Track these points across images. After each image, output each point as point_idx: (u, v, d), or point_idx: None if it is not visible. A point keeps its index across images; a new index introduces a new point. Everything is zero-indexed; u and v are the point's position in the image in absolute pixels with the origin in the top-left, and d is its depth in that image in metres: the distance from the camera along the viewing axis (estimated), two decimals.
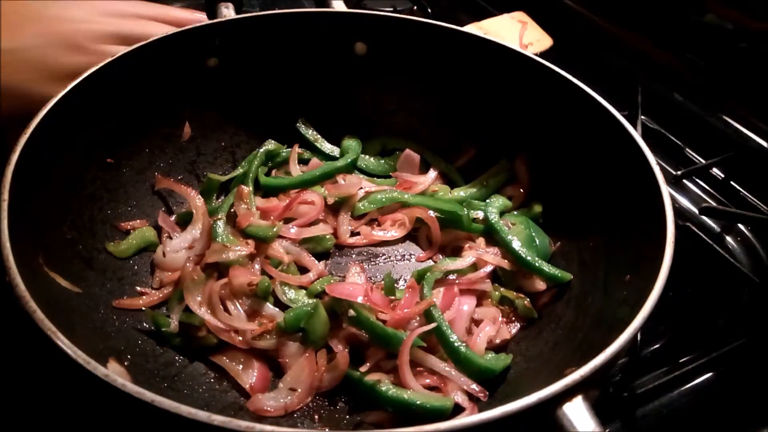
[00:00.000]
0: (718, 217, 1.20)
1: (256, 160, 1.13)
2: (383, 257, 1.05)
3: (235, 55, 1.12)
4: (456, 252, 1.04)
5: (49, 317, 0.66)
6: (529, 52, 1.09)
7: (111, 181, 1.01)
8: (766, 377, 0.95)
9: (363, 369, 0.85)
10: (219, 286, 0.91)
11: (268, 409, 0.82)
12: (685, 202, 1.26)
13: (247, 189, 1.06)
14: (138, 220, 1.03)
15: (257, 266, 0.97)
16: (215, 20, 1.10)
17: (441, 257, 1.04)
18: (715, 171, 1.31)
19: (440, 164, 1.20)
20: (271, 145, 1.16)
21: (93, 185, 0.97)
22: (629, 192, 0.92)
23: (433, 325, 0.86)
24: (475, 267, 1.00)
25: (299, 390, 0.84)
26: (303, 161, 1.18)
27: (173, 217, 1.07)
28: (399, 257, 1.05)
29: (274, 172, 1.17)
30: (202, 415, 0.58)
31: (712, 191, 1.28)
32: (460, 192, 1.15)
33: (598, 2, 1.65)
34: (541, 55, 1.10)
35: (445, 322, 0.87)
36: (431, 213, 1.05)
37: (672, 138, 1.37)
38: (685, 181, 1.29)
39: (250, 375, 0.86)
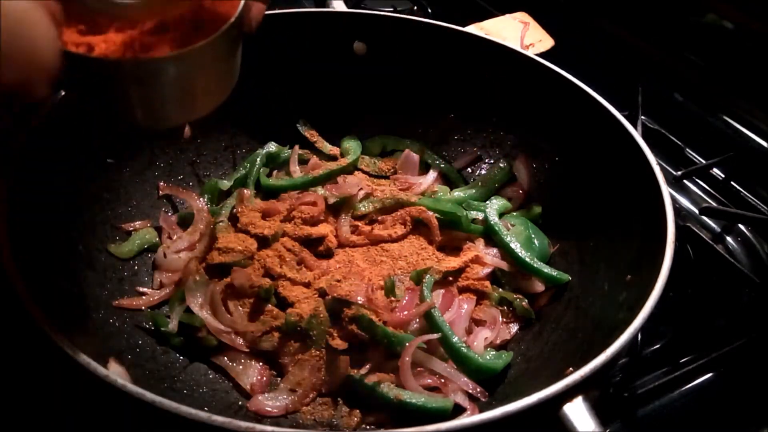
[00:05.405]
0: (718, 217, 1.19)
1: (257, 162, 1.13)
2: (383, 257, 1.05)
3: None
4: (455, 252, 1.04)
5: (49, 317, 0.66)
6: (531, 53, 1.09)
7: (111, 181, 1.01)
8: (766, 377, 0.95)
9: (363, 370, 0.85)
10: (221, 287, 0.91)
11: (269, 409, 0.82)
12: (685, 202, 1.26)
13: (248, 191, 1.06)
14: (139, 221, 1.03)
15: (259, 267, 0.97)
16: None
17: (440, 258, 1.04)
18: (715, 171, 1.30)
19: (440, 165, 1.20)
20: (272, 147, 1.16)
21: (93, 185, 0.97)
22: (629, 192, 0.92)
23: (437, 335, 0.85)
24: (474, 268, 0.99)
25: (300, 390, 0.84)
26: (302, 161, 1.18)
27: (174, 217, 1.07)
28: (399, 257, 1.05)
29: (275, 172, 1.17)
30: (202, 415, 0.58)
31: (712, 191, 1.28)
32: (460, 193, 1.15)
33: (598, 2, 1.65)
34: (543, 55, 1.10)
35: (446, 324, 0.87)
36: (431, 214, 1.05)
37: (672, 138, 1.37)
38: (685, 181, 1.29)
39: (251, 375, 0.87)
